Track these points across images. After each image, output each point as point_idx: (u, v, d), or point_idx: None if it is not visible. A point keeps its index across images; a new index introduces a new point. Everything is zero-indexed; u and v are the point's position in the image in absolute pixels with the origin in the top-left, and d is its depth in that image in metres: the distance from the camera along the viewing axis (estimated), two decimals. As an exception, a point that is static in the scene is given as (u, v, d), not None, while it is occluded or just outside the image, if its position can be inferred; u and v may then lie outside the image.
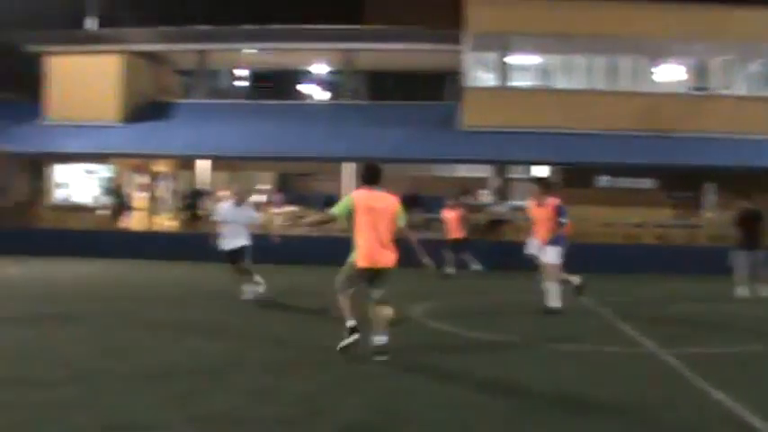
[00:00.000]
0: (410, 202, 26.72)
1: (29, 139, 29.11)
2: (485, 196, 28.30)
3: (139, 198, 30.89)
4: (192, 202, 28.56)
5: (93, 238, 26.52)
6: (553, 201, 14.54)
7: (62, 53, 30.28)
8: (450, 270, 21.57)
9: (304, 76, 39.79)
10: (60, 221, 28.88)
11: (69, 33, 31.67)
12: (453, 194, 23.24)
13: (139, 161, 30.85)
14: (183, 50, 32.02)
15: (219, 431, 6.91)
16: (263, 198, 29.07)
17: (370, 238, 10.01)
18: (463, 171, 30.96)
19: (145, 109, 30.54)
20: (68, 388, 8.06)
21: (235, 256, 15.07)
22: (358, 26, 31.94)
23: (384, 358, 9.78)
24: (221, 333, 11.63)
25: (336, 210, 10.21)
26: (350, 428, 7.00)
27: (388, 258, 10.06)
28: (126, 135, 28.94)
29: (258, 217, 15.75)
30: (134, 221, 29.75)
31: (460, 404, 7.85)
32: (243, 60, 34.98)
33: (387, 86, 36.10)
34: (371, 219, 10.01)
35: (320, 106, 35.18)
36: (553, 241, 14.37)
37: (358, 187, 10.43)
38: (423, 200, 27.41)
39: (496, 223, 26.10)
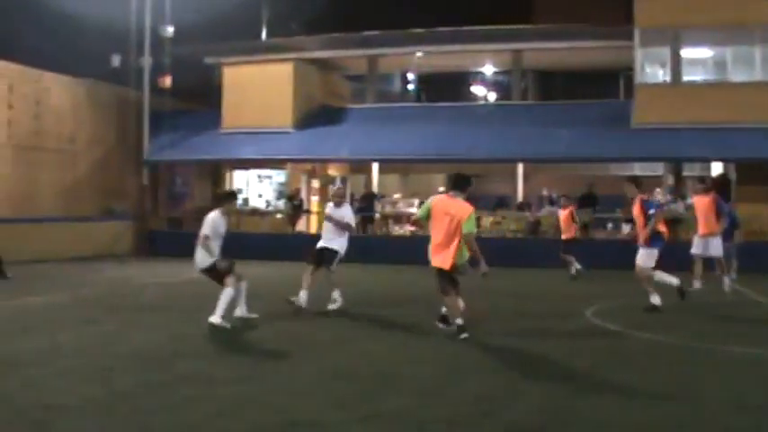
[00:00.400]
0: (586, 202, 26.42)
1: (208, 147, 30.19)
2: (659, 195, 27.59)
3: (313, 202, 31.60)
4: (367, 204, 28.98)
5: (270, 241, 27.30)
6: (640, 197, 14.25)
7: (237, 63, 31.22)
8: (577, 268, 21.29)
9: (473, 77, 39.85)
10: (238, 225, 29.90)
11: (243, 44, 32.67)
12: (566, 194, 22.94)
13: (312, 166, 31.54)
14: (353, 56, 32.48)
15: (390, 431, 7.03)
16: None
17: (436, 240, 11.19)
18: (637, 170, 30.33)
19: (316, 115, 31.12)
20: (247, 386, 8.37)
21: (321, 256, 14.18)
22: (526, 26, 31.72)
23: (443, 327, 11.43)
24: (395, 333, 11.78)
25: (420, 214, 11.65)
26: (519, 430, 7.01)
27: (444, 260, 11.10)
28: (298, 141, 29.58)
29: (351, 219, 14.63)
30: (308, 225, 30.47)
31: (634, 409, 7.71)
32: (412, 64, 35.26)
33: (556, 85, 35.77)
34: (443, 223, 11.10)
35: (489, 107, 35.10)
36: (647, 242, 14.04)
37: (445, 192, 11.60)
38: (598, 199, 27.03)
39: (672, 222, 25.38)
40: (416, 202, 29.93)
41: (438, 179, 33.93)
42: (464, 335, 10.99)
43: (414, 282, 19.90)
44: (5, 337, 11.31)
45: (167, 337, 11.45)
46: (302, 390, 8.24)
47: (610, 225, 27.74)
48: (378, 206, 29.17)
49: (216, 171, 32.23)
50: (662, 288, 14.24)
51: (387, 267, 22.16)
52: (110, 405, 7.54)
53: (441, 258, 11.17)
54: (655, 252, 14.08)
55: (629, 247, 14.94)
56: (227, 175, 31.80)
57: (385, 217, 29.35)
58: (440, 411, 7.47)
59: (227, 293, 12.08)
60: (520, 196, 27.94)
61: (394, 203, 30.39)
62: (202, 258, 12.39)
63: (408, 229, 28.47)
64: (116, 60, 31.86)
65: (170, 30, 30.81)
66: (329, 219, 14.33)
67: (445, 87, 40.19)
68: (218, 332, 11.57)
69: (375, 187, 30.71)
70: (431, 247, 11.33)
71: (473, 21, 30.46)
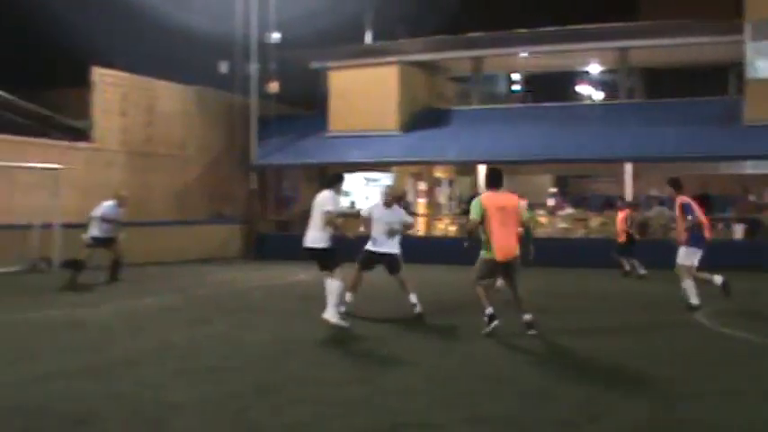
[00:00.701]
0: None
1: (315, 151, 30.50)
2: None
3: (420, 204, 31.64)
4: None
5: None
6: (680, 199, 14.57)
7: (342, 68, 31.47)
8: (643, 271, 21.08)
9: (579, 76, 39.41)
10: (344, 228, 30.06)
11: (348, 48, 32.91)
12: (621, 197, 23.40)
13: (418, 168, 31.60)
14: (458, 58, 32.44)
15: (495, 432, 7.01)
16: (552, 201, 29.01)
17: (503, 234, 11.37)
18: (749, 168, 29.53)
19: (422, 117, 31.15)
20: (354, 388, 8.45)
21: (380, 261, 13.82)
22: (632, 23, 31.19)
23: (534, 332, 11.24)
24: (499, 335, 11.73)
25: (475, 215, 11.54)
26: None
27: (512, 251, 11.44)
28: (404, 143, 29.67)
29: (408, 218, 14.46)
30: (417, 227, 30.51)
31: (742, 411, 7.56)
32: (517, 64, 35.06)
33: (663, 83, 35.10)
34: (502, 216, 11.40)
35: (596, 107, 34.66)
36: (686, 241, 14.38)
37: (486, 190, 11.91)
38: (713, 200, 26.33)
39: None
40: (524, 204, 29.73)
41: (545, 180, 33.60)
42: (495, 323, 11.37)
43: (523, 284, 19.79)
44: (121, 337, 11.64)
45: (276, 337, 11.64)
46: (409, 391, 8.27)
47: (720, 226, 27.05)
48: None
49: (323, 175, 32.49)
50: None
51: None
52: (220, 404, 7.70)
53: (509, 250, 11.45)
54: (694, 251, 14.34)
55: (742, 248, 14.73)
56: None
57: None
58: (545, 414, 7.42)
59: (335, 286, 12.07)
60: (628, 196, 27.50)
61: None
62: (317, 237, 12.44)
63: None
64: (223, 67, 32.44)
65: (276, 36, 31.25)
66: (404, 225, 13.94)
67: (551, 87, 39.88)
68: (326, 334, 11.67)
69: (481, 189, 30.60)
70: (495, 243, 11.40)
71: (578, 19, 30.10)
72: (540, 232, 25.18)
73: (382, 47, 32.83)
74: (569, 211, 28.74)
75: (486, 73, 34.81)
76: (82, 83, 26.94)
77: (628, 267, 21.44)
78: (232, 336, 11.79)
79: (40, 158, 23.62)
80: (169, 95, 29.38)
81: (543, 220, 28.19)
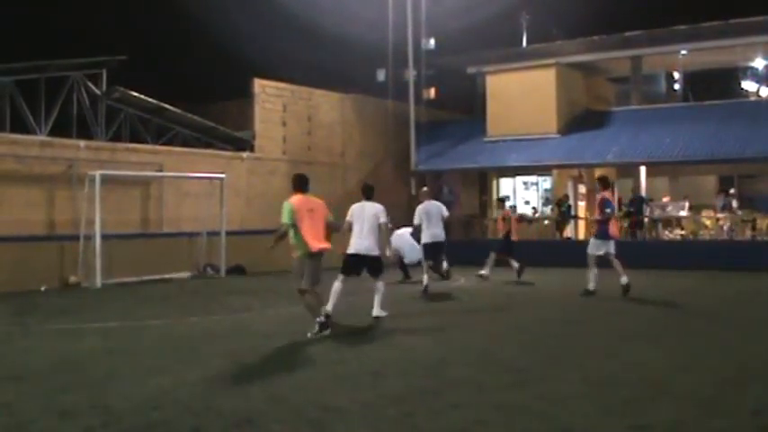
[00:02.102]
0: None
1: (474, 155, 30.53)
2: None
3: (580, 207, 31.21)
4: (635, 209, 28.36)
5: (536, 248, 27.17)
6: (601, 195, 16.55)
7: (499, 71, 31.38)
8: None
9: (743, 72, 38.14)
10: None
11: (504, 52, 32.81)
12: None
13: (578, 171, 31.20)
14: (616, 58, 31.97)
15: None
16: (735, 203, 28.15)
17: (313, 232, 12.61)
18: None
19: (580, 119, 30.80)
20: (513, 392, 8.39)
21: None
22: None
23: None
24: (664, 339, 11.46)
25: (286, 218, 12.28)
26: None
27: (325, 246, 12.86)
28: (563, 146, 29.36)
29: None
30: (576, 231, 30.12)
31: None
32: (677, 62, 34.22)
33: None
34: (311, 217, 12.61)
35: (762, 103, 33.48)
36: (596, 233, 16.96)
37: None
38: None
39: None
40: (686, 204, 28.96)
41: (709, 181, 32.63)
42: (327, 331, 12.10)
43: (685, 287, 19.35)
44: (281, 341, 11.87)
45: (435, 342, 11.68)
46: (570, 396, 8.15)
47: None
48: (646, 210, 28.51)
49: (482, 179, 32.50)
50: None
51: (656, 272, 21.59)
52: (381, 408, 7.76)
53: (322, 245, 12.55)
54: (600, 242, 16.64)
55: None
56: (494, 182, 31.99)
57: (654, 221, 28.63)
58: (714, 424, 7.14)
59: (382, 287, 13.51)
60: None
61: (663, 207, 29.53)
62: (372, 246, 13.87)
63: (678, 233, 27.66)
64: (381, 75, 32.81)
65: (431, 42, 31.40)
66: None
67: (713, 85, 38.63)
68: (486, 339, 11.61)
69: (643, 191, 30.01)
70: (310, 239, 12.43)
71: (740, 12, 28.95)
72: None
73: (539, 49, 32.64)
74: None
75: (646, 72, 34.07)
76: (243, 95, 27.74)
77: None
78: (392, 340, 11.86)
79: (205, 169, 24.41)
80: (328, 104, 29.88)
81: (708, 222, 27.49)
